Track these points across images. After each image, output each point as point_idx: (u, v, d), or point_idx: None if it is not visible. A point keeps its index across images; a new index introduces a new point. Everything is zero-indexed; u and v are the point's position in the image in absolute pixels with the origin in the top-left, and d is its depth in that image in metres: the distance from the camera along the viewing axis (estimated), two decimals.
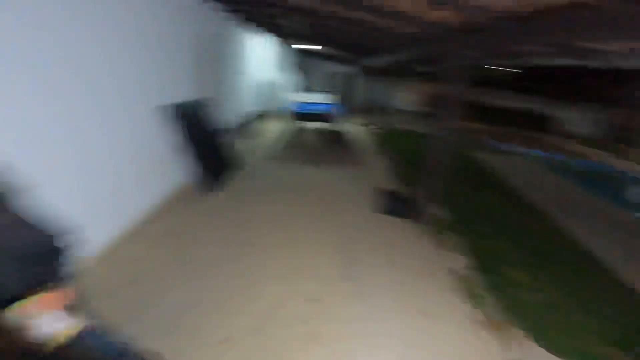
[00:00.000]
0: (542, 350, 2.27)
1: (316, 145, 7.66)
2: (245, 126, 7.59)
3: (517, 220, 4.57)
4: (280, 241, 3.31)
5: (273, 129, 8.89)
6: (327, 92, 11.48)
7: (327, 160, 6.42)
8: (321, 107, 9.02)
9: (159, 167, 3.82)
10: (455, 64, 3.41)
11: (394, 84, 13.93)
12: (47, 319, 1.05)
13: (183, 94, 4.21)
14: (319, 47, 10.44)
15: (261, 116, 9.14)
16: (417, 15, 3.12)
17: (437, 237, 3.64)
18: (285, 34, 8.52)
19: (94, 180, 2.66)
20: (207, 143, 4.56)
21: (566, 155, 11.06)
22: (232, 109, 6.70)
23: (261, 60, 8.87)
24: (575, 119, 14.87)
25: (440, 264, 3.16)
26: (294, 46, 11.44)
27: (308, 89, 13.99)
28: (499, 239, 3.85)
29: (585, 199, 5.99)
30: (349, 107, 12.40)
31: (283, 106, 10.45)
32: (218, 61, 5.70)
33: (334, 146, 7.65)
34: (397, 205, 4.13)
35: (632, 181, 8.60)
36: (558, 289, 3.03)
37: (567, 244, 4.04)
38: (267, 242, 3.26)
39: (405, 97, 15.23)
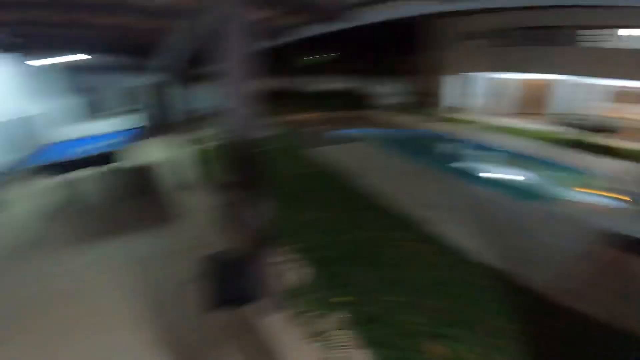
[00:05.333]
0: None
1: (99, 203, 5.31)
2: None
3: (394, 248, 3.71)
4: None
5: (32, 192, 5.65)
6: (124, 112, 9.42)
7: (117, 225, 4.44)
8: (94, 144, 5.48)
9: None
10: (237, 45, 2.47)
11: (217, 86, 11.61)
12: None
13: None
14: (87, 57, 7.76)
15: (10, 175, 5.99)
16: None
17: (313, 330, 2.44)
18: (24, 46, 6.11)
19: None
20: None
21: (389, 127, 11.98)
22: None
23: None
24: (387, 92, 16.70)
25: None
26: (47, 61, 8.11)
27: (95, 113, 10.63)
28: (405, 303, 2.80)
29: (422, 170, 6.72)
30: (161, 124, 9.70)
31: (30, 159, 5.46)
32: None
33: (129, 198, 5.45)
34: (235, 281, 2.35)
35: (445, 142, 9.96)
36: None
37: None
38: None
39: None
